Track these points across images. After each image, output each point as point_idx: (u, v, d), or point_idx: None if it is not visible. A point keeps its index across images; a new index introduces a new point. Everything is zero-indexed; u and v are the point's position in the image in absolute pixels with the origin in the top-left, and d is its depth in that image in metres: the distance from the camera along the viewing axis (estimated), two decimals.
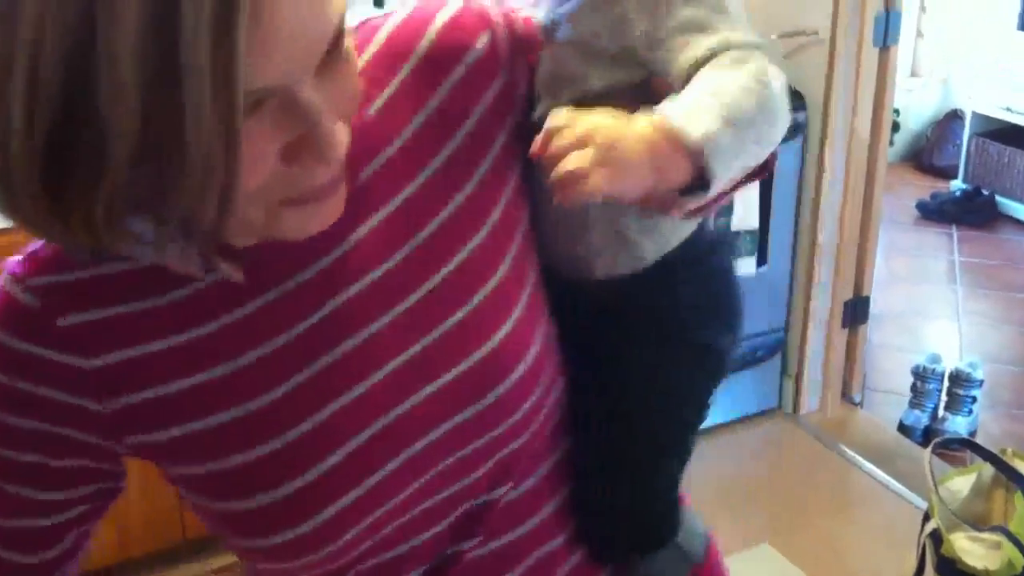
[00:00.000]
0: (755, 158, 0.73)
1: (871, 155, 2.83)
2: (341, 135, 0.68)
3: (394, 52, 0.81)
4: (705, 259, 0.86)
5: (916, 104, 5.08)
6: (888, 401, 3.20)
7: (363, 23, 0.84)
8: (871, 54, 2.70)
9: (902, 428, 3.04)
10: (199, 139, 0.59)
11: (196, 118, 0.58)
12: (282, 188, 0.68)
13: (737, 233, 2.66)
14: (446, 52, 0.82)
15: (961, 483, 1.91)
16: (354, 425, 0.78)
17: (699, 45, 0.73)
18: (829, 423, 3.03)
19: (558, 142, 0.67)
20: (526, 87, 0.85)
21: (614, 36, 0.78)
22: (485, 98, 0.83)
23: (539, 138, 0.68)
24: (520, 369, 0.81)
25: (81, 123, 0.58)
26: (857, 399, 3.13)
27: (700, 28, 0.74)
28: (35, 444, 0.78)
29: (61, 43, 0.57)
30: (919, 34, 5.04)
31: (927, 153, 5.09)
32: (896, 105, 2.89)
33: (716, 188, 0.70)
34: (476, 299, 0.81)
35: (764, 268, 2.80)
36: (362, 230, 0.80)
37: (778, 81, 0.74)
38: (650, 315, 0.85)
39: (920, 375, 3.11)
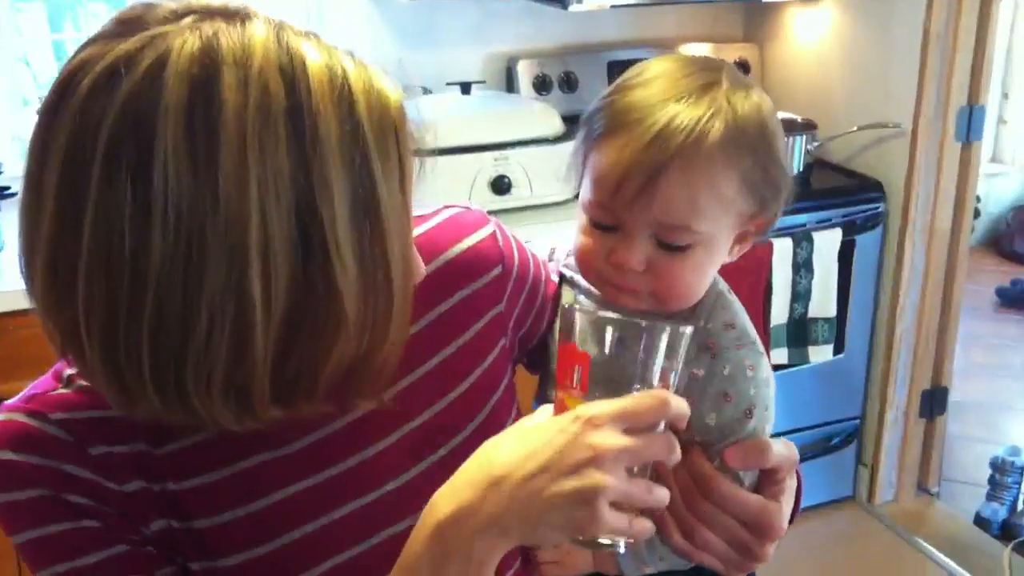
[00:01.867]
0: None
1: (952, 246, 2.82)
2: None
3: (421, 254, 0.89)
4: None
5: (996, 189, 5.04)
6: (965, 493, 3.14)
7: None
8: (953, 148, 2.70)
9: (979, 521, 2.98)
10: (398, 277, 0.71)
11: (396, 258, 0.71)
12: None
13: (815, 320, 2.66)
14: (463, 271, 0.93)
15: None
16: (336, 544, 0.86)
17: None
18: (904, 514, 2.99)
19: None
20: (523, 316, 0.99)
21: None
22: (483, 319, 0.94)
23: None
24: None
25: (312, 302, 0.67)
26: (934, 490, 3.08)
27: (731, 432, 0.92)
28: (100, 542, 0.80)
29: (286, 236, 0.65)
30: (1001, 120, 5.01)
31: (1007, 239, 5.03)
32: (976, 191, 2.88)
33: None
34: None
35: (841, 356, 2.79)
36: (359, 412, 0.86)
37: None
38: None
39: (999, 467, 3.05)
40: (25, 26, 2.55)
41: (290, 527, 0.84)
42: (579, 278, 1.02)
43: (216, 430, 0.74)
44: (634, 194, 0.87)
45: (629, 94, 0.90)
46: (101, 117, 0.64)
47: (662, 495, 0.75)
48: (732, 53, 3.07)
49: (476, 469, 0.74)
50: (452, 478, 0.75)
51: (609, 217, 0.90)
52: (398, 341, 0.75)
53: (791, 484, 0.95)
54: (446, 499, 0.73)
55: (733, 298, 0.97)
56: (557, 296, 1.04)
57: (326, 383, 0.73)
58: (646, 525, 0.75)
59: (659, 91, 0.89)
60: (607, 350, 0.76)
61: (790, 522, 0.97)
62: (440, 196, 2.38)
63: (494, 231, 0.97)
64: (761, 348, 0.95)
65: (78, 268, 0.65)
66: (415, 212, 0.94)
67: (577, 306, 0.89)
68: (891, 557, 2.85)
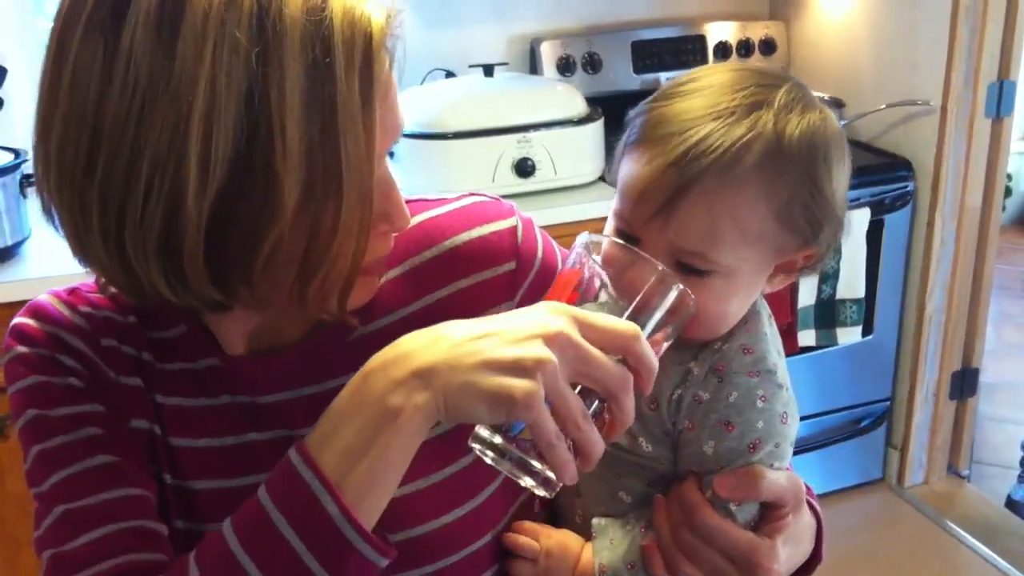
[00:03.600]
0: None
1: (982, 225, 2.79)
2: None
3: (429, 236, 0.90)
4: None
5: None
6: (996, 475, 3.11)
7: (417, 200, 0.93)
8: (983, 124, 2.67)
9: (1010, 504, 2.96)
10: (351, 183, 0.70)
11: (351, 162, 0.70)
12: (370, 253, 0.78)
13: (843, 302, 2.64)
14: (469, 259, 0.90)
15: None
16: None
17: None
18: (935, 497, 2.97)
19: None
20: None
21: (667, 418, 0.88)
22: (484, 315, 0.90)
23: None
24: (458, 555, 0.89)
25: (250, 181, 0.69)
26: (964, 473, 3.05)
27: (727, 461, 0.86)
28: (76, 398, 0.84)
29: (232, 109, 0.67)
30: None
31: None
32: (1008, 169, 2.84)
33: None
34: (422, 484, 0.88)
35: (870, 337, 2.77)
36: (331, 383, 0.87)
37: None
38: None
39: None
40: (51, 13, 2.55)
41: (255, 470, 0.85)
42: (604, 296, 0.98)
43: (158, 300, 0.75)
44: (652, 213, 0.82)
45: (670, 104, 0.84)
46: None
47: (595, 438, 0.70)
48: (758, 31, 3.03)
49: (424, 331, 0.73)
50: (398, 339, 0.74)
51: (629, 230, 0.85)
52: (354, 254, 0.74)
53: (798, 526, 0.89)
54: (381, 353, 0.73)
55: (764, 325, 0.90)
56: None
57: (270, 277, 0.73)
58: (570, 461, 0.69)
59: (701, 105, 0.82)
60: (610, 282, 0.74)
61: (811, 568, 0.92)
62: (464, 179, 2.38)
63: (515, 226, 0.93)
64: (782, 381, 0.88)
65: (54, 125, 0.71)
66: (438, 195, 0.94)
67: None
68: (921, 540, 2.83)
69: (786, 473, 0.87)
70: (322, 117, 0.69)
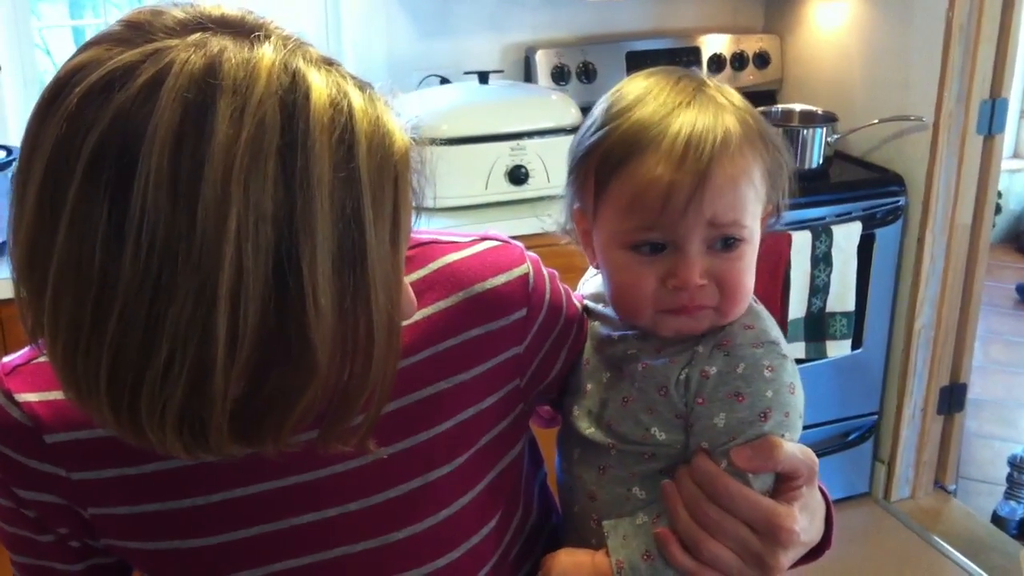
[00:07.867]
0: None
1: (972, 241, 2.80)
2: None
3: (444, 283, 0.89)
4: None
5: (1018, 185, 5.00)
6: (983, 491, 3.12)
7: (432, 243, 0.91)
8: (975, 141, 2.68)
9: (996, 519, 2.96)
10: (382, 327, 0.68)
11: (380, 313, 0.67)
12: None
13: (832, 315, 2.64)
14: (483, 309, 0.89)
15: None
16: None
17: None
18: (921, 511, 2.97)
19: None
20: (550, 358, 0.95)
21: (677, 403, 0.90)
22: (497, 359, 0.90)
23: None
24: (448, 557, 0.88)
25: (281, 348, 0.64)
26: (951, 488, 3.06)
27: (740, 435, 0.87)
28: (43, 527, 0.86)
29: (261, 279, 0.61)
30: (1023, 115, 4.97)
31: None
32: (998, 187, 2.85)
33: None
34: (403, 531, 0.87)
35: (859, 351, 2.77)
36: (324, 472, 0.85)
37: None
38: None
39: (1017, 465, 3.02)
40: (45, 12, 2.55)
41: (234, 526, 0.84)
42: (600, 307, 0.99)
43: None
44: (684, 204, 0.84)
45: (630, 116, 0.88)
46: (89, 127, 0.61)
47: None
48: (752, 44, 3.05)
49: None
50: None
51: (658, 235, 0.87)
52: (382, 389, 0.72)
53: (812, 500, 0.89)
54: None
55: (759, 307, 0.94)
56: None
57: (296, 425, 0.69)
58: None
59: (660, 105, 0.87)
60: None
61: (821, 552, 0.92)
62: (457, 185, 2.39)
63: (527, 273, 0.91)
64: (785, 352, 0.91)
65: (50, 270, 0.62)
66: (453, 237, 0.93)
67: None
68: (907, 554, 2.83)
69: (799, 445, 0.88)
70: (353, 275, 0.64)
